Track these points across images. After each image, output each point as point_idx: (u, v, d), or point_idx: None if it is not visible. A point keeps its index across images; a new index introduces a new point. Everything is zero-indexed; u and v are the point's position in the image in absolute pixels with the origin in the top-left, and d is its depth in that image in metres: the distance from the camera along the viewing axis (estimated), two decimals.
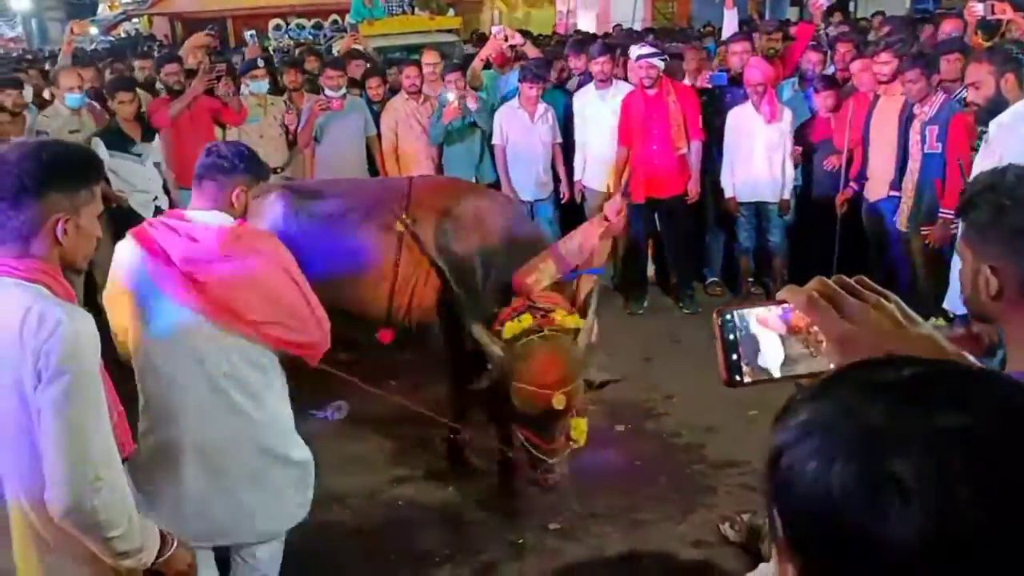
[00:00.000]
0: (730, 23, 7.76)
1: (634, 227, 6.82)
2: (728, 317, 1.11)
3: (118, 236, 2.95)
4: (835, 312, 1.07)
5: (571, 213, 7.24)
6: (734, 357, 1.10)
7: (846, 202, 6.32)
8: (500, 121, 6.86)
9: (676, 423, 5.11)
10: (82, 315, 2.07)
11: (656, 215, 6.84)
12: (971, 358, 1.07)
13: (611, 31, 15.47)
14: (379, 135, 7.18)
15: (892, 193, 5.86)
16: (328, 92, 7.03)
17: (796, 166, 6.62)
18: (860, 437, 0.72)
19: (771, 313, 1.11)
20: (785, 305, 1.11)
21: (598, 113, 6.81)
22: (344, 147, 6.99)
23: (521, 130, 6.85)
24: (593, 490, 4.43)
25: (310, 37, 13.50)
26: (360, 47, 9.11)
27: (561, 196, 7.09)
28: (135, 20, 24.66)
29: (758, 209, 6.71)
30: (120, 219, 6.65)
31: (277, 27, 14.35)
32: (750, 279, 7.03)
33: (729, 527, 4.02)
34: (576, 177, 6.99)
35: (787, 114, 6.48)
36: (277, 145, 7.11)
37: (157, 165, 6.63)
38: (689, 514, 4.24)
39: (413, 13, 11.73)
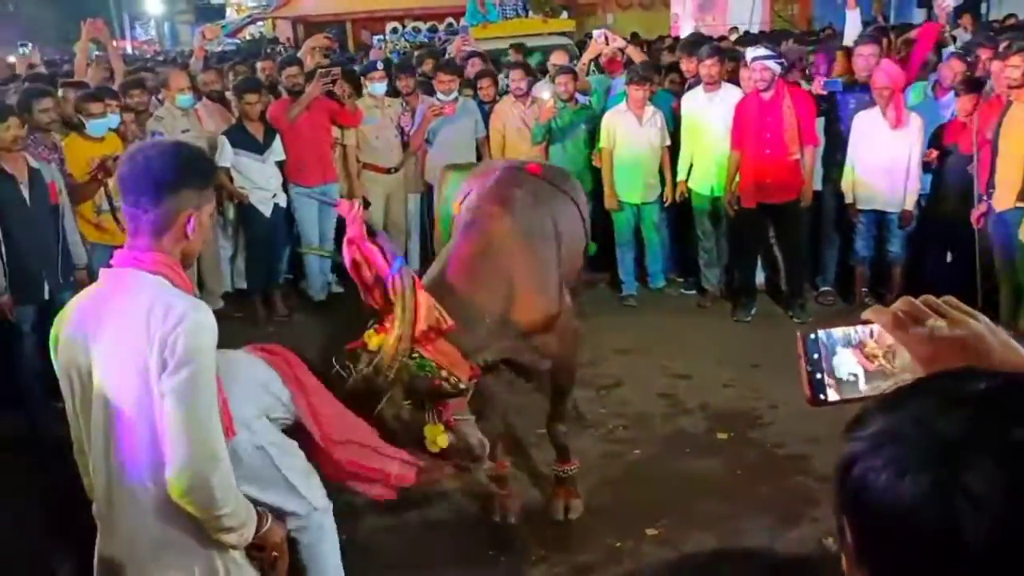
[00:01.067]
0: (852, 25, 7.54)
1: (743, 232, 6.74)
2: (812, 336, 1.12)
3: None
4: (921, 332, 1.06)
5: (679, 214, 7.22)
6: (818, 376, 1.11)
7: (982, 216, 5.91)
8: (607, 124, 6.88)
9: (780, 433, 5.00)
10: (203, 307, 2.20)
11: (768, 221, 6.72)
12: None
13: (726, 34, 15.26)
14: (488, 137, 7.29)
15: (1020, 204, 5.59)
16: (440, 96, 7.15)
17: (928, 170, 6.37)
18: (934, 448, 0.73)
19: (856, 332, 1.12)
20: (871, 325, 1.11)
21: (706, 116, 6.74)
22: (455, 149, 7.10)
23: (629, 133, 6.84)
24: (693, 497, 4.39)
25: (425, 40, 13.76)
26: (472, 49, 9.23)
27: (665, 199, 7.06)
28: (260, 23, 25.64)
29: (878, 217, 6.51)
30: (241, 213, 6.99)
31: (394, 30, 14.65)
32: (864, 289, 6.82)
33: (832, 542, 3.92)
34: (680, 178, 6.95)
35: (915, 120, 6.25)
36: (392, 146, 7.31)
37: (279, 164, 6.89)
38: (791, 526, 4.15)
39: (527, 16, 11.78)
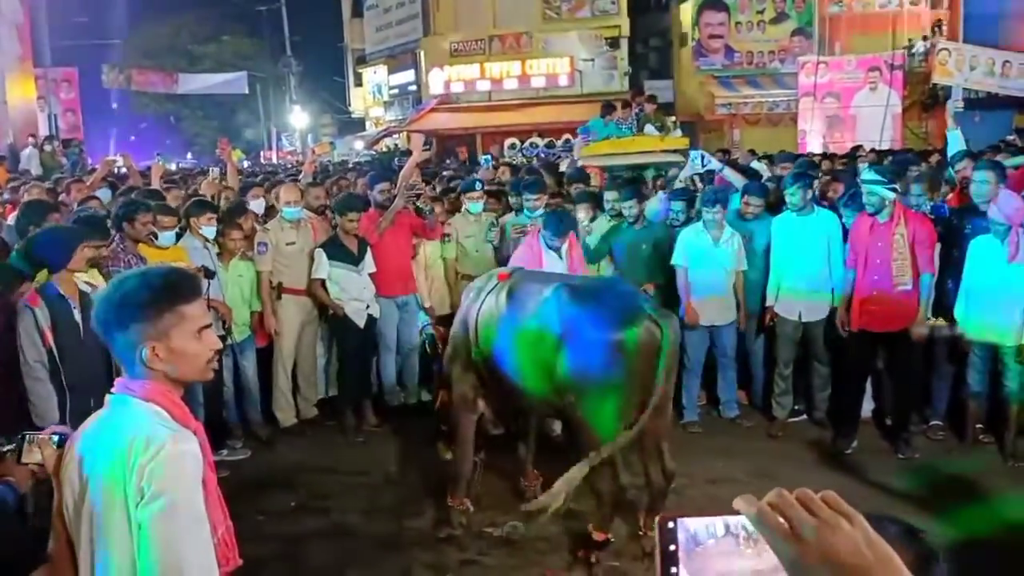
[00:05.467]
0: (954, 146, 7.21)
1: (849, 357, 6.43)
2: (671, 525, 0.99)
3: None
4: (787, 530, 0.93)
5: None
6: (672, 570, 0.99)
7: None
8: (683, 241, 6.76)
9: None
10: (186, 437, 2.16)
11: (876, 349, 6.36)
12: None
13: (853, 151, 14.91)
14: None
15: None
16: (528, 212, 7.20)
17: None
18: None
19: (721, 524, 1.00)
20: (740, 516, 0.97)
21: (793, 240, 6.60)
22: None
23: (703, 253, 6.70)
24: None
25: (541, 155, 13.98)
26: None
27: (739, 324, 6.88)
28: (395, 136, 26.84)
29: (993, 350, 6.05)
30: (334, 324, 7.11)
31: (512, 145, 15.01)
32: (979, 426, 6.32)
33: None
34: (768, 303, 6.76)
35: None
36: (486, 258, 7.39)
37: (372, 276, 7.03)
38: None
39: (642, 133, 11.74)
